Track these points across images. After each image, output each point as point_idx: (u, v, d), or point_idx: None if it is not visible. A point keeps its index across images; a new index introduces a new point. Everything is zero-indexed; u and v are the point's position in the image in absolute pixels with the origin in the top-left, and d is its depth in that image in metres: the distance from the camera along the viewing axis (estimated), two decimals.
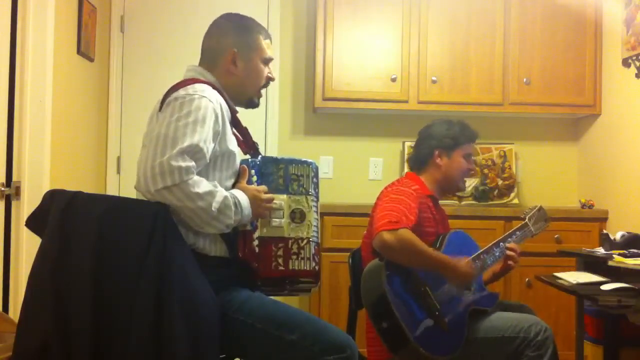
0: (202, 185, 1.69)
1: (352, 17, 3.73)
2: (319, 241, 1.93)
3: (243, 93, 2.01)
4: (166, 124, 1.73)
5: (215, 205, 1.69)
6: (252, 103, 2.05)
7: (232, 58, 1.97)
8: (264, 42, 2.03)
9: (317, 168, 1.97)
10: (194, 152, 1.69)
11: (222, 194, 1.73)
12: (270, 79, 2.07)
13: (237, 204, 1.76)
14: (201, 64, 2.01)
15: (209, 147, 1.75)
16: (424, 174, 2.54)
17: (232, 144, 1.88)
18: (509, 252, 2.45)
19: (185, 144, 1.68)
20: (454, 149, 2.52)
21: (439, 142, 2.52)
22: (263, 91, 2.08)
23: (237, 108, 2.02)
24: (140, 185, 1.68)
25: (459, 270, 2.24)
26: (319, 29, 3.73)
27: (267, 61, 2.04)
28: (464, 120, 2.60)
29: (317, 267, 1.89)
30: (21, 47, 2.76)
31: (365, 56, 3.73)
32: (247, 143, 1.98)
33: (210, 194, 1.70)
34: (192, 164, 1.68)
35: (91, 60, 3.53)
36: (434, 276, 2.28)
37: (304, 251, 1.87)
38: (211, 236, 1.81)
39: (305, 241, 1.88)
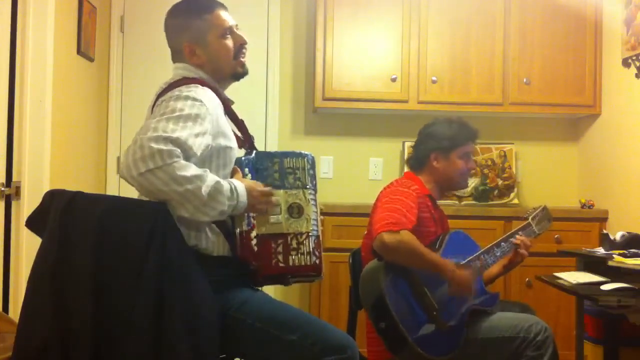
0: (190, 169, 1.63)
1: (352, 17, 3.73)
2: (320, 234, 1.90)
3: (221, 73, 1.97)
4: (152, 120, 1.69)
5: (205, 190, 1.64)
6: (236, 75, 2.00)
7: (189, 52, 1.94)
8: (213, 17, 1.94)
9: (313, 159, 1.92)
10: (178, 143, 1.63)
11: (213, 179, 1.67)
12: (242, 45, 1.98)
13: (233, 189, 1.71)
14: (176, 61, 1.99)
15: (197, 142, 1.69)
16: (422, 174, 2.53)
17: (228, 139, 1.85)
18: (516, 242, 2.45)
19: (168, 134, 1.63)
20: (451, 151, 2.49)
21: (436, 143, 2.49)
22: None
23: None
24: (122, 171, 1.64)
25: (457, 279, 2.23)
26: (319, 29, 3.73)
27: (227, 32, 1.96)
28: (464, 119, 2.56)
29: (317, 261, 1.86)
30: (21, 47, 2.76)
31: (365, 56, 3.73)
32: (243, 136, 1.95)
33: (199, 177, 1.64)
34: (175, 149, 1.62)
35: (91, 60, 3.53)
36: (433, 276, 2.27)
37: (304, 246, 1.84)
38: (214, 236, 1.80)
39: (304, 236, 1.85)
